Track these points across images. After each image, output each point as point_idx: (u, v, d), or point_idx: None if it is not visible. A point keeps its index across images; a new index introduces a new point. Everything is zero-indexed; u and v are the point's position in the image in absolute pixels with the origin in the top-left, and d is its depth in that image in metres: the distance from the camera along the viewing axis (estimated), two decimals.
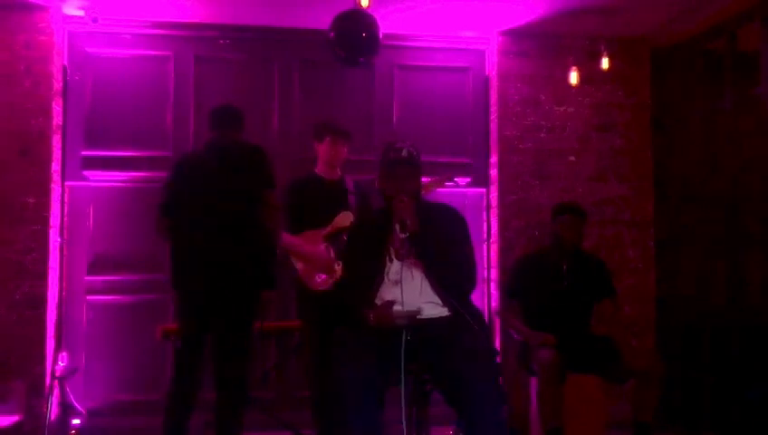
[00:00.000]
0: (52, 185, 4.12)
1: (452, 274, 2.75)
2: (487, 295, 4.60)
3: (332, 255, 3.38)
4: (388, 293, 2.70)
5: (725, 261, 4.30)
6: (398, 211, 2.67)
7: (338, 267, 3.34)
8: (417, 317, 2.61)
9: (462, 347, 2.56)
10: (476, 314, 2.77)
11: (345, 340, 2.66)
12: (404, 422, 2.49)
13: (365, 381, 2.44)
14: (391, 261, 2.75)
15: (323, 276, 3.36)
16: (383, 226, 2.78)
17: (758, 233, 4.15)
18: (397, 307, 2.63)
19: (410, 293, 2.66)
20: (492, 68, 4.70)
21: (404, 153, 2.77)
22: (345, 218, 3.43)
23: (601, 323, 3.70)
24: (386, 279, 2.73)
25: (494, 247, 4.60)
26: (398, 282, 2.70)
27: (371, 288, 2.71)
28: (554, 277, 3.67)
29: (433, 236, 2.69)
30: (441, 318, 2.67)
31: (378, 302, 2.69)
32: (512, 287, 3.78)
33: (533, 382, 3.57)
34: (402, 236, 2.64)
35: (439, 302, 2.69)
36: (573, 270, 3.69)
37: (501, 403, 2.55)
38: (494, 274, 4.57)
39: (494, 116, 4.66)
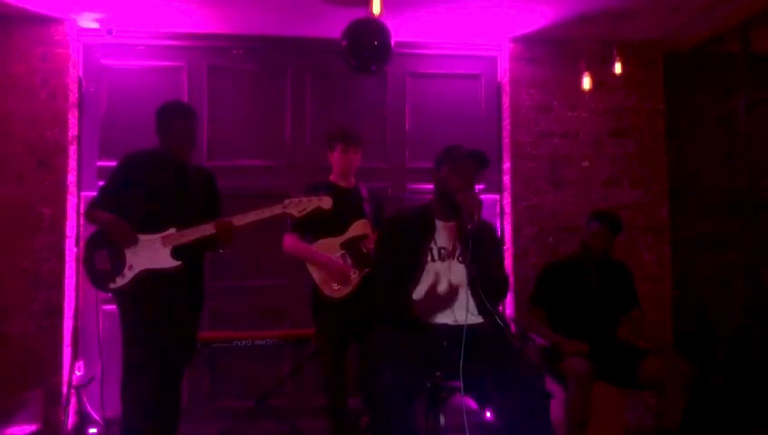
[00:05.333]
0: (69, 195, 4.16)
1: (493, 280, 2.74)
2: (502, 302, 4.58)
3: (349, 263, 3.38)
4: (426, 293, 2.70)
5: (743, 265, 4.26)
6: (466, 205, 2.63)
7: (354, 275, 3.34)
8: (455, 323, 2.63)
9: (506, 354, 2.56)
10: (507, 321, 2.78)
11: (384, 341, 2.61)
12: (466, 427, 2.47)
13: (406, 384, 2.40)
14: (433, 260, 2.74)
15: (339, 283, 3.36)
16: (425, 224, 2.78)
17: None
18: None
19: (450, 295, 2.68)
20: (504, 74, 4.70)
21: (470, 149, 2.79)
22: (361, 227, 3.43)
23: (627, 329, 3.66)
24: (424, 278, 2.71)
25: (508, 254, 4.58)
26: (438, 283, 2.70)
27: (409, 286, 2.69)
28: (582, 285, 3.63)
29: (482, 236, 2.68)
30: (479, 325, 2.66)
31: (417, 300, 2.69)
32: (538, 294, 3.74)
33: (554, 388, 3.53)
34: (469, 226, 2.60)
35: (475, 308, 2.68)
36: (601, 278, 3.65)
37: (548, 405, 2.52)
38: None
39: (506, 122, 4.66)
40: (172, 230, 3.04)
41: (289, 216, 3.13)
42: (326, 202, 3.13)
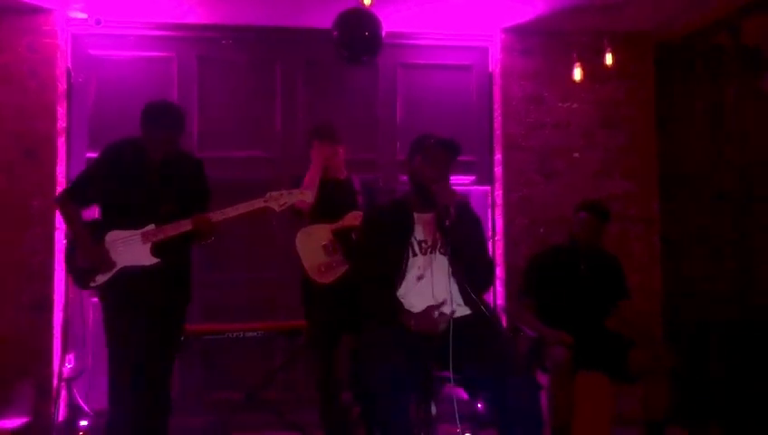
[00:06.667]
0: (58, 187, 4.12)
1: (477, 270, 2.73)
2: (493, 293, 4.60)
3: (339, 254, 3.37)
4: (411, 288, 2.68)
5: (732, 256, 4.28)
6: (440, 197, 2.61)
7: (339, 265, 3.34)
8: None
9: (494, 345, 2.56)
10: (494, 312, 2.77)
11: (375, 338, 2.58)
12: (458, 422, 2.48)
13: (400, 380, 2.39)
14: (415, 255, 2.72)
15: (327, 268, 3.34)
16: (403, 219, 2.75)
17: (764, 227, 4.14)
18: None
19: (436, 289, 2.64)
20: (495, 65, 4.70)
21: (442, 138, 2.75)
22: (355, 218, 3.42)
23: (616, 321, 3.67)
24: (408, 274, 2.69)
25: (499, 245, 4.59)
26: (422, 277, 2.68)
27: (394, 284, 2.66)
28: (569, 275, 3.64)
29: (462, 229, 2.65)
30: (465, 317, 2.65)
31: (401, 298, 2.65)
32: (526, 285, 3.74)
33: (543, 379, 3.55)
34: (447, 223, 2.57)
35: (461, 299, 2.67)
36: (589, 268, 3.66)
37: (538, 395, 2.53)
38: (499, 271, 4.56)
39: (497, 113, 4.65)
40: (151, 226, 2.97)
41: (269, 210, 3.05)
42: (308, 196, 3.11)
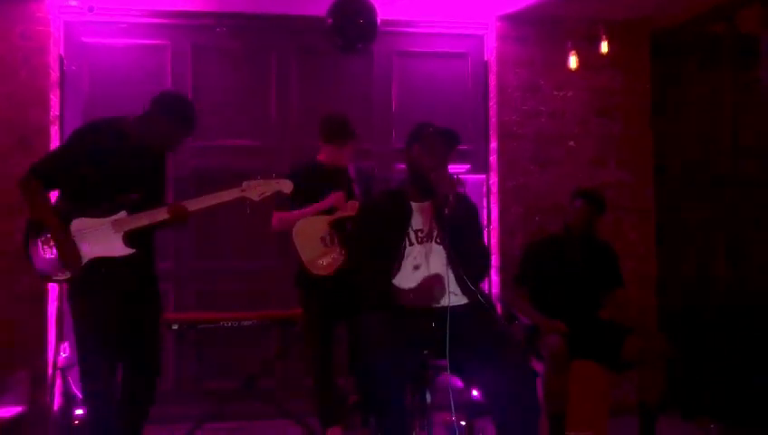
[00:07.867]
0: None
1: (474, 258, 2.72)
2: (488, 281, 4.60)
3: (337, 245, 3.37)
4: (407, 278, 2.66)
5: (727, 245, 4.30)
6: (440, 185, 2.58)
7: (337, 256, 3.33)
8: (440, 305, 2.58)
9: (491, 333, 2.56)
10: (490, 300, 2.78)
11: (373, 326, 2.57)
12: (453, 412, 2.48)
13: (397, 370, 2.38)
14: (411, 244, 2.70)
15: (326, 261, 3.34)
16: (400, 209, 2.74)
17: (758, 216, 4.16)
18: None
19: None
20: (491, 53, 4.68)
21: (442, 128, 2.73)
22: (351, 207, 3.41)
23: (610, 308, 3.69)
24: (404, 263, 2.67)
25: (495, 233, 4.59)
26: (418, 266, 2.67)
27: (390, 273, 2.65)
28: (564, 264, 3.65)
29: (460, 218, 2.63)
30: (463, 306, 2.64)
31: (396, 286, 2.64)
32: (521, 273, 3.75)
33: (538, 367, 3.56)
34: (446, 211, 2.55)
35: (458, 289, 2.66)
36: (583, 257, 3.67)
37: (534, 382, 2.53)
38: (494, 260, 4.57)
39: (493, 102, 4.64)
40: (123, 214, 2.80)
41: (247, 200, 2.93)
42: (286, 186, 3.00)
